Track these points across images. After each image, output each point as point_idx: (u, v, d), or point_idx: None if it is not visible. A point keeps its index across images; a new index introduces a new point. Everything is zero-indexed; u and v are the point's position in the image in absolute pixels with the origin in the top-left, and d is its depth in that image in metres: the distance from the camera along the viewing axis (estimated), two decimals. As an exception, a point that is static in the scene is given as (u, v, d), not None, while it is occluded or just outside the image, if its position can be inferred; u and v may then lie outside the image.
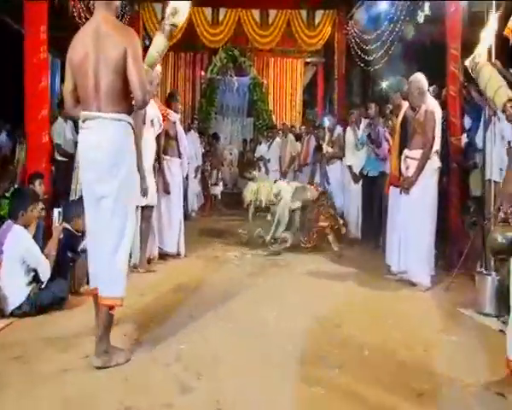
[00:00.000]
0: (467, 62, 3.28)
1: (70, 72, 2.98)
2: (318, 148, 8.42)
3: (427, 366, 3.01)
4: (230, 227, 8.31)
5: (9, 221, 4.18)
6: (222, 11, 10.01)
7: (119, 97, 2.91)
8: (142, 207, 5.10)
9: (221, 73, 12.57)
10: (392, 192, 5.33)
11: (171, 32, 3.20)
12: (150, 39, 10.90)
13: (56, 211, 4.09)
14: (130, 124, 3.01)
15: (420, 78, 4.90)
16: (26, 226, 3.90)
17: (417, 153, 4.81)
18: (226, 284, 4.83)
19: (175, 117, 5.89)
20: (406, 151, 4.95)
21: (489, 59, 4.24)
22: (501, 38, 4.38)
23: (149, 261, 5.47)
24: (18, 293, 3.74)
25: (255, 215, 7.31)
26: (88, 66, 2.86)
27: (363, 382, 2.78)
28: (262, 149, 10.74)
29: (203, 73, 13.03)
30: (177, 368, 2.88)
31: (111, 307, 2.95)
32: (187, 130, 10.09)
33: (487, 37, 3.25)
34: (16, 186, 6.11)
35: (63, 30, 5.97)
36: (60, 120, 6.95)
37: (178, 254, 5.94)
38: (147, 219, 5.27)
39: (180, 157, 5.91)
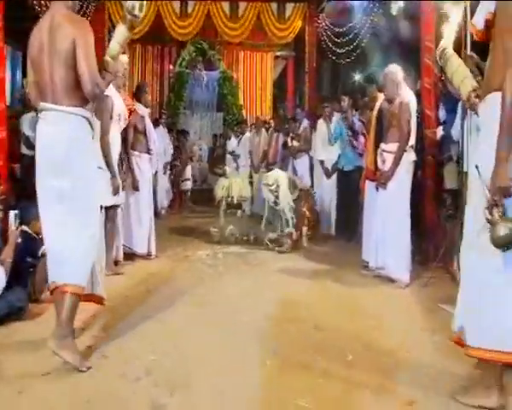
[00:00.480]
0: (436, 53, 3.21)
1: (30, 64, 2.97)
2: (286, 143, 8.28)
3: (413, 371, 2.86)
4: (201, 225, 8.08)
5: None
6: (190, 3, 9.70)
7: (73, 90, 2.86)
8: (107, 207, 4.75)
9: (190, 67, 12.23)
10: (368, 187, 5.21)
11: (132, 21, 3.07)
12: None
13: (12, 213, 3.77)
14: (86, 118, 2.93)
15: (395, 69, 4.79)
16: None
17: (393, 146, 4.70)
18: (198, 287, 4.61)
19: (144, 111, 5.62)
20: (382, 145, 4.83)
21: (464, 52, 4.18)
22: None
23: (116, 263, 5.18)
24: None
25: (226, 212, 7.12)
26: (43, 59, 2.85)
27: (351, 391, 2.61)
28: (232, 144, 10.52)
29: (171, 66, 12.67)
30: (147, 383, 2.64)
31: (76, 296, 2.85)
32: (155, 125, 9.81)
33: (451, 28, 3.15)
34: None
35: (24, 21, 5.65)
36: (29, 114, 6.59)
37: (149, 255, 5.66)
38: (112, 220, 4.95)
39: (149, 153, 5.64)
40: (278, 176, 6.46)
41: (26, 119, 6.62)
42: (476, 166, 2.36)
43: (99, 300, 3.25)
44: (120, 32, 3.06)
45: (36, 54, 2.87)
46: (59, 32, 2.81)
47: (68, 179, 2.84)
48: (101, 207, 4.29)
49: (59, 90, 2.83)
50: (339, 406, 2.48)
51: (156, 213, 7.62)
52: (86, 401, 2.45)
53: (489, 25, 2.44)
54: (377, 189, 4.84)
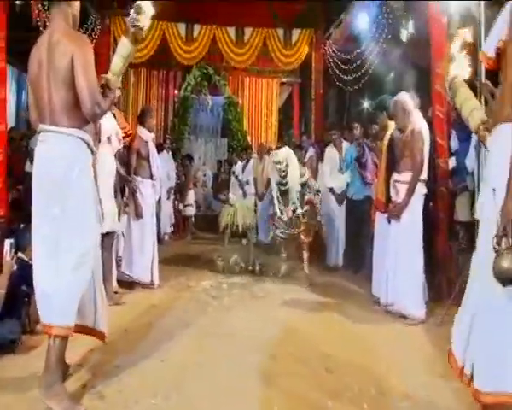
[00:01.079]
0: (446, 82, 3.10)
1: (29, 84, 2.88)
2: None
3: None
4: (205, 252, 7.88)
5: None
6: (196, 28, 9.69)
7: (73, 110, 2.73)
8: (103, 235, 4.55)
9: (195, 92, 12.19)
10: (379, 218, 5.02)
11: (136, 34, 2.94)
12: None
13: (8, 242, 3.61)
14: (83, 139, 2.78)
15: (405, 97, 4.66)
16: None
17: (407, 176, 4.54)
18: (202, 320, 4.39)
19: (147, 136, 5.47)
20: (395, 175, 4.67)
21: (479, 80, 4.04)
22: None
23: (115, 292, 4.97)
24: None
25: (231, 240, 6.94)
26: (41, 78, 2.74)
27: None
28: (237, 169, 10.38)
29: (176, 91, 12.64)
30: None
31: (63, 337, 2.67)
32: (159, 150, 9.70)
33: (457, 55, 3.02)
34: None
35: (30, 42, 5.57)
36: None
37: (152, 284, 5.44)
38: (108, 248, 4.72)
39: (152, 178, 5.47)
40: (288, 154, 6.09)
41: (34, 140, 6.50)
42: (493, 190, 2.21)
43: (100, 336, 3.07)
44: (123, 46, 2.94)
45: (35, 73, 2.76)
46: (57, 50, 2.69)
47: (62, 204, 2.69)
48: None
49: (57, 110, 2.71)
50: None
51: (159, 240, 7.43)
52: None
53: (500, 53, 2.32)
54: (389, 221, 4.66)
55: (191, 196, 10.84)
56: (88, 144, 2.80)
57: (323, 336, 4.07)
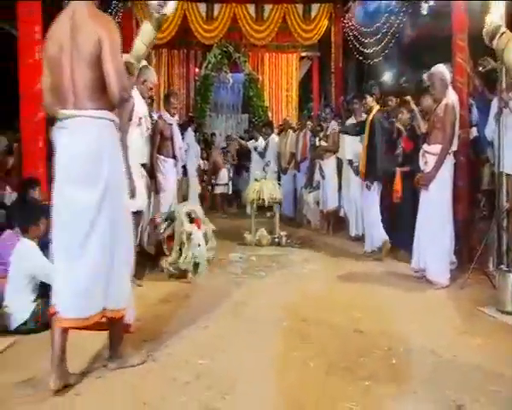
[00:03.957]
0: (484, 32, 3.05)
1: (46, 66, 2.74)
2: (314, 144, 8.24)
3: (460, 374, 2.87)
4: (232, 228, 8.14)
5: (11, 232, 4.01)
6: (217, 7, 9.81)
7: (98, 92, 2.65)
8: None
9: (215, 70, 12.35)
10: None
11: (160, 21, 2.96)
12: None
13: None
14: (113, 121, 2.76)
15: (442, 69, 4.72)
16: (34, 240, 3.69)
17: (436, 148, 4.68)
18: (234, 290, 4.66)
19: (169, 119, 5.73)
20: (425, 146, 4.82)
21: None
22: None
23: None
24: (23, 309, 3.54)
25: (256, 214, 7.18)
26: (63, 59, 2.63)
27: (397, 394, 2.64)
28: (259, 145, 10.49)
29: (197, 70, 12.81)
30: (198, 387, 2.72)
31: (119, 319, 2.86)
32: (185, 128, 9.93)
33: (495, 4, 3.04)
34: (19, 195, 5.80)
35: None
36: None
37: None
38: (136, 227, 4.77)
39: (175, 158, 5.76)
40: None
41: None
42: None
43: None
44: (147, 32, 2.94)
45: (54, 53, 2.65)
46: (82, 32, 2.60)
47: (94, 193, 2.65)
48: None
49: (81, 93, 2.62)
50: (386, 409, 2.51)
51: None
52: (143, 404, 2.54)
53: None
54: (418, 190, 4.83)
55: (223, 175, 11.03)
56: (116, 126, 2.77)
57: (352, 301, 4.31)
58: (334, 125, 7.80)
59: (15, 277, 3.58)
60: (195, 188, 9.94)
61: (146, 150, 5.05)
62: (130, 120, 4.61)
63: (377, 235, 5.86)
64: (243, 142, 10.94)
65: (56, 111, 2.70)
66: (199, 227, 5.08)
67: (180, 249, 5.03)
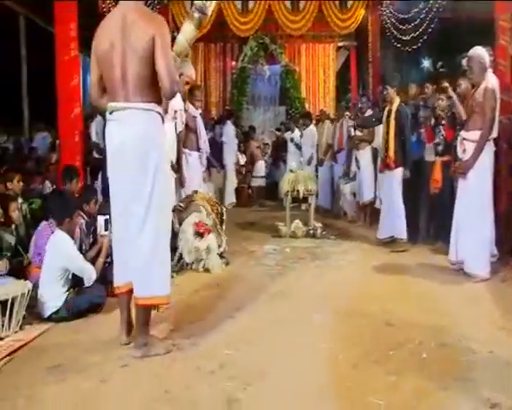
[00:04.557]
0: None
1: (95, 62, 2.92)
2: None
3: (496, 373, 2.74)
4: (267, 219, 8.11)
5: (46, 223, 4.11)
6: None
7: (148, 87, 2.82)
8: None
9: (252, 62, 12.31)
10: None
11: (200, 20, 3.07)
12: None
13: (102, 219, 3.94)
14: (160, 114, 2.91)
15: (481, 52, 4.51)
16: (68, 233, 3.78)
17: (475, 134, 4.48)
18: (267, 282, 4.63)
19: (194, 112, 5.79)
20: (463, 133, 4.63)
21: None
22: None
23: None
24: (56, 298, 3.64)
25: (291, 206, 7.11)
26: (114, 55, 2.78)
27: (426, 391, 2.54)
28: (295, 136, 10.39)
29: (234, 62, 12.82)
30: (222, 377, 2.70)
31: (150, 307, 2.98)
32: (223, 122, 9.96)
33: None
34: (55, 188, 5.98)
35: (95, 28, 5.91)
36: (98, 117, 6.88)
37: None
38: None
39: (199, 151, 5.82)
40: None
41: (95, 123, 6.86)
42: None
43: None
44: (189, 31, 3.06)
45: (105, 50, 2.81)
46: (135, 29, 2.75)
47: (143, 182, 2.82)
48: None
49: (132, 87, 2.78)
50: (413, 405, 2.42)
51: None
52: (165, 392, 2.54)
53: None
54: (456, 179, 4.67)
55: (260, 168, 11.00)
56: (163, 118, 2.96)
57: (386, 293, 4.20)
58: (370, 114, 7.62)
59: (49, 267, 3.67)
60: (232, 182, 9.98)
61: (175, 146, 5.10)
62: (166, 112, 4.63)
63: (400, 227, 5.69)
64: (278, 133, 10.84)
65: (105, 104, 2.89)
66: (205, 234, 5.03)
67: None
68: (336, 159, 8.91)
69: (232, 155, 10.08)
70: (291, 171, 7.31)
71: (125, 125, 2.82)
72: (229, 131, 9.94)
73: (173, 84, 2.76)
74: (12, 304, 3.33)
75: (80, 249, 3.99)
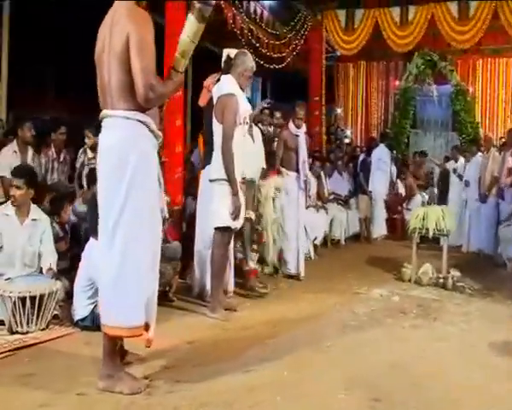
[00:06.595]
0: None
1: (96, 66, 2.74)
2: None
3: None
4: (398, 257, 6.94)
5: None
6: (411, 9, 8.81)
7: (130, 92, 2.53)
8: (218, 228, 4.07)
9: (418, 82, 11.12)
10: None
11: (202, 11, 2.62)
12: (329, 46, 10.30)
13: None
14: (143, 122, 2.57)
15: None
16: None
17: None
18: (334, 337, 3.69)
19: (297, 131, 5.39)
20: None
21: None
22: None
23: (225, 293, 4.46)
24: (83, 307, 3.65)
25: (420, 246, 6.00)
26: (103, 59, 2.62)
27: None
28: (459, 168, 9.02)
29: (397, 82, 11.80)
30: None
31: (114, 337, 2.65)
32: (375, 145, 9.20)
33: None
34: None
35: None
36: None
37: (297, 275, 5.56)
38: (225, 245, 4.16)
39: (298, 171, 5.32)
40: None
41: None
42: None
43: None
44: (190, 25, 2.65)
45: (98, 54, 2.65)
46: (115, 29, 2.52)
47: (119, 185, 2.55)
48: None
49: (115, 94, 2.56)
50: None
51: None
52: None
53: None
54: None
55: (417, 202, 9.74)
56: (149, 127, 2.61)
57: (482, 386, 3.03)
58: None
59: (80, 275, 3.68)
60: (381, 211, 9.06)
61: (253, 162, 4.55)
62: (235, 123, 4.04)
63: None
64: (438, 162, 9.57)
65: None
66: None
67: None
68: (503, 195, 7.43)
69: (382, 182, 9.16)
70: (422, 204, 6.21)
71: (106, 132, 2.65)
72: (379, 155, 9.09)
73: (147, 88, 2.44)
74: (40, 302, 3.42)
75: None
